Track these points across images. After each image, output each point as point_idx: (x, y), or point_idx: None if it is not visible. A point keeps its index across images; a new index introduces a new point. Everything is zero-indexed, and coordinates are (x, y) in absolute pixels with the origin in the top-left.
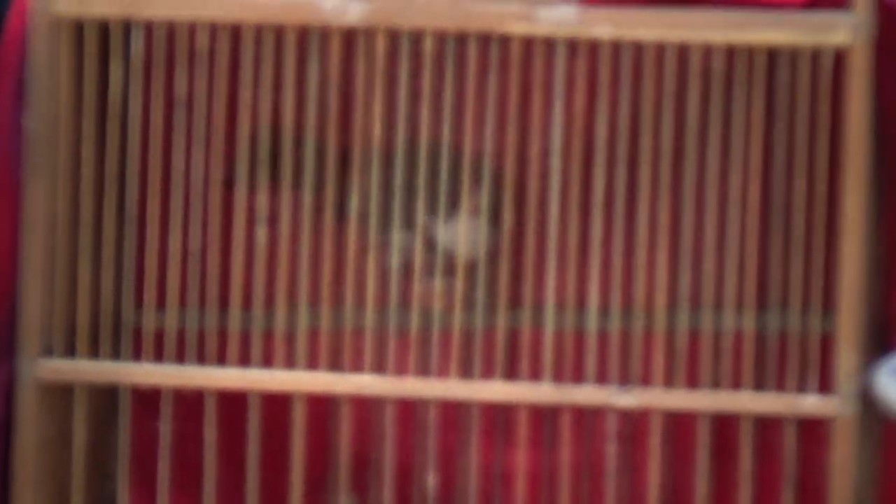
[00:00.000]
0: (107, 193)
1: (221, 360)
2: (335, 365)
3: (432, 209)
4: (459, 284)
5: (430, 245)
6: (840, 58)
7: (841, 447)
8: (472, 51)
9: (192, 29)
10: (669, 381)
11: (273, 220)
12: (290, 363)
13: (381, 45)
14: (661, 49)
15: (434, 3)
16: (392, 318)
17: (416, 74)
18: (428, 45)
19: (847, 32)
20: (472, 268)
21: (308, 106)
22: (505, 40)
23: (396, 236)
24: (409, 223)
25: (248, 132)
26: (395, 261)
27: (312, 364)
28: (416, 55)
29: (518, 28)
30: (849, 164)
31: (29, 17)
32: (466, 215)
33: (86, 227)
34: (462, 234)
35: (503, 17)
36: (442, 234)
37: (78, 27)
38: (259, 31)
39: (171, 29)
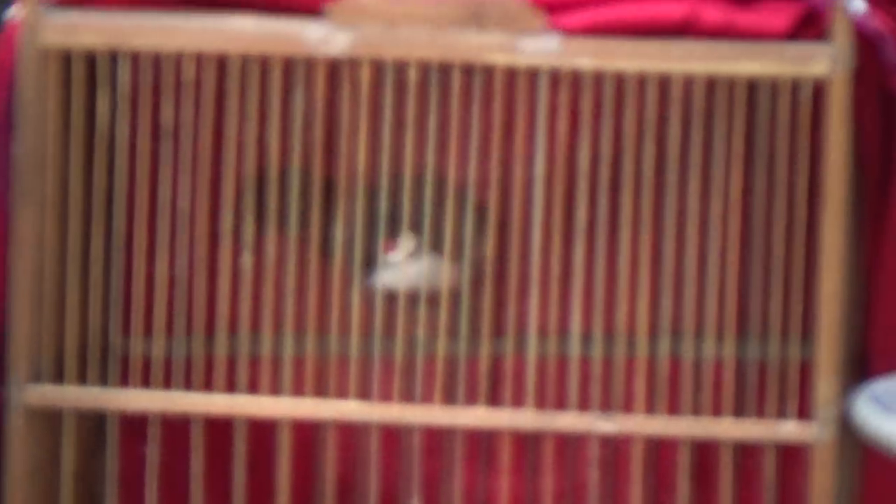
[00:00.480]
0: (94, 221)
1: (208, 386)
2: (320, 391)
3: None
4: (443, 313)
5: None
6: (819, 88)
7: (820, 472)
8: (456, 81)
9: (178, 60)
10: (651, 408)
11: (259, 249)
12: (275, 389)
13: (365, 75)
14: (642, 80)
15: (418, 34)
16: (376, 346)
17: (400, 104)
18: (412, 76)
19: (826, 63)
20: (455, 296)
21: (293, 135)
22: (488, 71)
23: (381, 267)
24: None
25: (234, 161)
26: (378, 287)
27: (298, 390)
28: (400, 85)
29: (501, 59)
30: (828, 195)
31: (17, 47)
32: (451, 245)
33: (74, 255)
34: (446, 264)
35: (486, 48)
36: (425, 263)
37: (65, 58)
38: (244, 61)
39: (157, 59)
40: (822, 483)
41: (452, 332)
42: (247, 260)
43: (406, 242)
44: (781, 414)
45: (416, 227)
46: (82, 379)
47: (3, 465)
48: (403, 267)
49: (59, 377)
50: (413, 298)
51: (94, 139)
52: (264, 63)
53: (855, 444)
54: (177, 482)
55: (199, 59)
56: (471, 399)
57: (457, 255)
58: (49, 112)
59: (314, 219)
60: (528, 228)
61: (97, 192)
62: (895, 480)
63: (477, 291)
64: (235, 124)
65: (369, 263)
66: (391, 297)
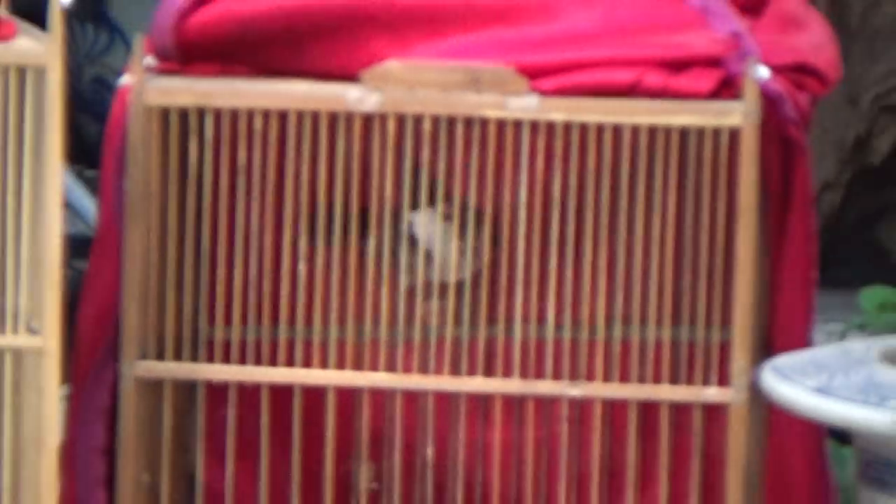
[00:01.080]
0: (186, 238)
1: (272, 362)
2: (357, 366)
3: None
4: (450, 304)
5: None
6: (735, 135)
7: (735, 425)
8: (459, 131)
9: (249, 115)
10: (607, 378)
11: (311, 259)
12: (323, 364)
13: (391, 127)
14: (600, 130)
15: (430, 95)
16: (399, 331)
17: (417, 149)
18: (426, 127)
19: (740, 117)
20: (459, 292)
21: (336, 174)
22: (483, 123)
23: (404, 268)
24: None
25: (292, 193)
26: (402, 287)
27: (340, 365)
28: (418, 134)
29: (493, 114)
30: (742, 215)
31: (127, 106)
32: (457, 250)
33: (171, 263)
34: (454, 262)
35: (482, 106)
36: (439, 259)
37: (164, 114)
38: (299, 116)
39: (234, 115)
40: (737, 433)
41: (457, 320)
42: (301, 268)
43: (422, 251)
44: (706, 382)
45: (430, 240)
46: (178, 357)
47: (118, 425)
48: (420, 270)
49: (160, 356)
50: (427, 294)
51: (186, 177)
52: (315, 117)
53: (761, 404)
54: (248, 437)
55: (266, 114)
56: (471, 371)
57: (461, 261)
58: (152, 156)
59: (352, 236)
60: (515, 242)
61: (188, 216)
62: (790, 430)
63: (476, 289)
64: (293, 165)
65: (395, 268)
66: (411, 294)
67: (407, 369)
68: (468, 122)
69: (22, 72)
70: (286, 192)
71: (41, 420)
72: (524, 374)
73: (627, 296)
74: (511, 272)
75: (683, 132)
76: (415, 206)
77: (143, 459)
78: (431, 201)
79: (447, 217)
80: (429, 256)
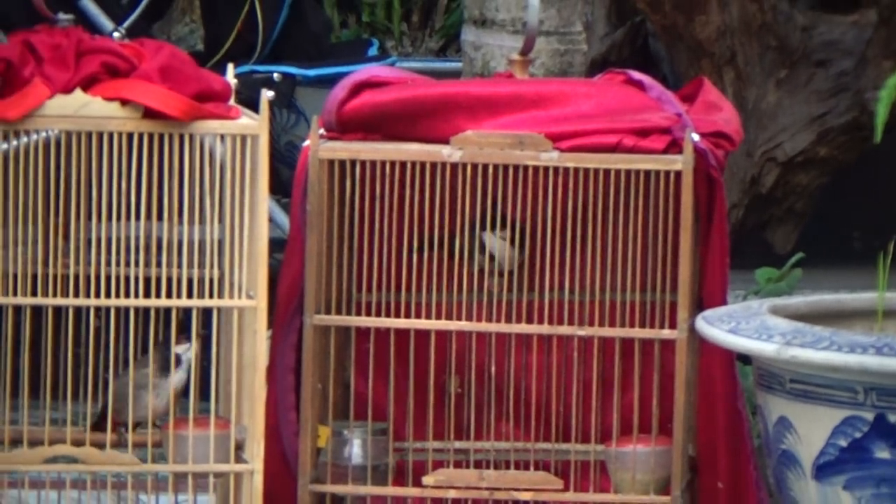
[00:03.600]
0: (344, 240)
1: (397, 315)
2: (448, 317)
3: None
4: (504, 281)
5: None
6: (678, 176)
7: (680, 354)
8: (511, 174)
9: (382, 163)
10: (601, 324)
11: (425, 257)
12: (428, 317)
13: (468, 171)
14: (596, 172)
15: (493, 152)
16: (475, 297)
17: (484, 185)
18: (490, 171)
19: (681, 164)
20: (511, 273)
21: (436, 200)
22: (525, 168)
23: (477, 260)
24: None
25: (409, 216)
26: (475, 271)
27: (438, 317)
28: (485, 176)
29: (531, 162)
30: (683, 225)
31: (308, 158)
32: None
33: (334, 255)
34: (507, 255)
35: (525, 158)
36: (497, 255)
37: (330, 163)
38: (414, 165)
39: (373, 164)
40: (682, 358)
41: (509, 290)
42: (415, 260)
43: (488, 251)
44: (662, 326)
45: (493, 247)
46: (338, 312)
47: (301, 355)
48: (488, 262)
49: (328, 311)
50: (490, 275)
51: (343, 202)
52: (422, 165)
53: (696, 340)
54: (381, 361)
55: (392, 164)
56: (517, 320)
57: (511, 258)
58: (323, 189)
59: (445, 243)
60: (544, 240)
61: (345, 226)
62: (713, 355)
63: (520, 270)
64: (409, 194)
65: (471, 261)
66: (481, 275)
67: (478, 320)
68: (515, 168)
69: (244, 137)
70: (405, 211)
71: (255, 351)
72: (550, 322)
73: (613, 274)
74: (542, 259)
75: (647, 173)
76: (484, 223)
77: (317, 375)
78: (493, 220)
79: (504, 233)
80: (492, 256)
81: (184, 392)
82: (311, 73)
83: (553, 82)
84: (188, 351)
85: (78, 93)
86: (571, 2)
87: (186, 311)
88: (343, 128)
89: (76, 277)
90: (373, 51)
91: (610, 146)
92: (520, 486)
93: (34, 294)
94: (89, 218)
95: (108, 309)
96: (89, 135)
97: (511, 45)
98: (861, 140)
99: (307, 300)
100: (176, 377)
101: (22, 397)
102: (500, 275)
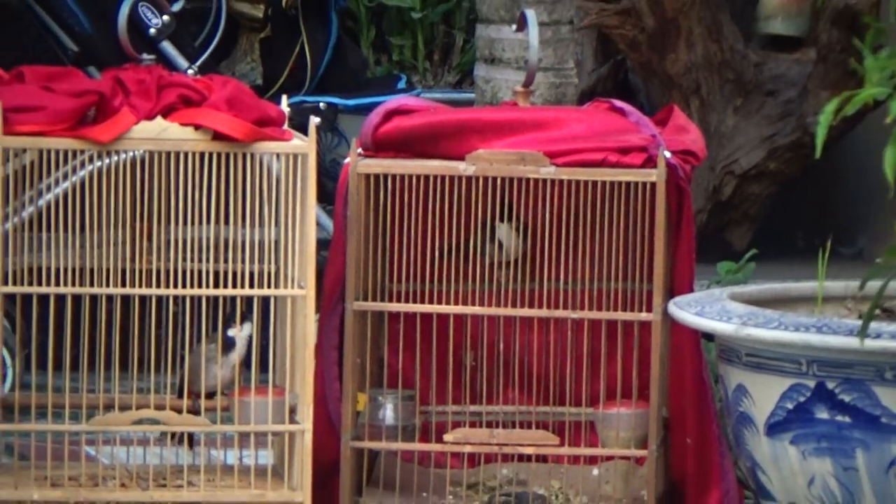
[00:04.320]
0: (378, 240)
1: (422, 301)
2: (465, 303)
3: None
4: (510, 272)
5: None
6: (653, 187)
7: (656, 334)
8: (516, 185)
9: (410, 177)
10: (590, 308)
11: (446, 259)
12: (448, 303)
13: (481, 183)
14: (587, 183)
15: (500, 167)
16: (487, 286)
17: (493, 195)
18: (499, 183)
19: (656, 176)
20: (515, 263)
21: (454, 206)
22: (528, 181)
23: (488, 255)
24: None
25: (432, 224)
26: (487, 264)
27: (456, 303)
28: (494, 187)
29: (533, 176)
30: (657, 228)
31: (348, 173)
32: (515, 240)
33: (370, 252)
34: (514, 244)
35: (527, 171)
36: (506, 242)
37: (367, 177)
38: (435, 178)
39: (402, 177)
40: (656, 337)
41: (514, 279)
42: (436, 259)
43: (497, 244)
44: (640, 310)
45: (503, 238)
46: (374, 299)
47: (344, 335)
48: (498, 252)
49: (365, 298)
50: (499, 267)
51: (378, 209)
52: (443, 178)
53: (668, 322)
54: (409, 339)
55: (419, 177)
56: (521, 305)
57: (516, 247)
58: (360, 199)
59: (462, 247)
60: (542, 238)
61: (380, 229)
62: (683, 335)
63: (524, 262)
64: (432, 202)
65: (483, 257)
66: (491, 268)
67: (489, 305)
68: (519, 180)
69: (296, 156)
70: (429, 216)
71: (305, 332)
72: (548, 307)
73: (600, 267)
74: (541, 255)
75: (628, 184)
76: (499, 220)
77: (357, 351)
78: (502, 218)
79: (511, 224)
80: (501, 247)
81: (245, 363)
82: (351, 102)
83: (550, 109)
84: (240, 332)
85: (159, 119)
86: (565, 43)
87: (248, 300)
88: (377, 147)
89: (158, 272)
90: (401, 84)
91: (597, 162)
92: (524, 442)
93: (123, 285)
94: (169, 222)
95: (184, 298)
96: (168, 154)
97: (515, 79)
98: (804, 156)
99: (348, 290)
100: (233, 354)
101: (114, 370)
102: (507, 266)
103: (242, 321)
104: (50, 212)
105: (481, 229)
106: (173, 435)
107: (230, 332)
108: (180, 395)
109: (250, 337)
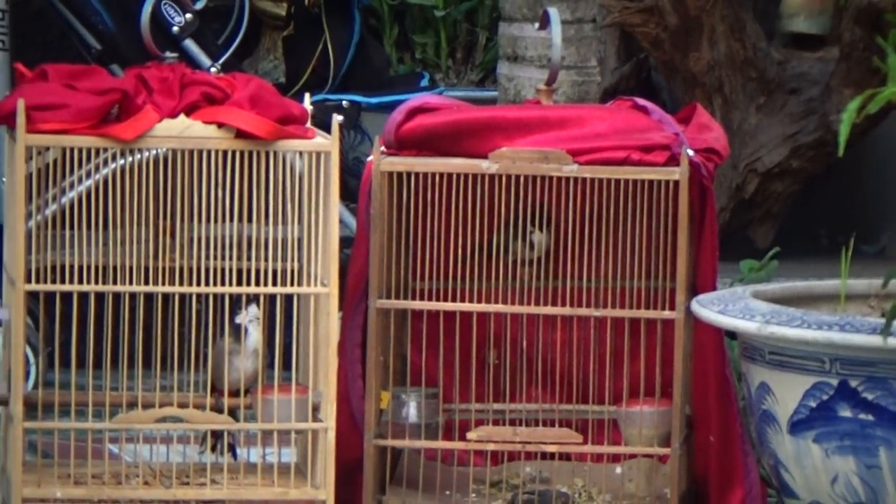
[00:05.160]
0: (402, 237)
1: (445, 299)
2: (488, 301)
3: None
4: (534, 270)
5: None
6: (676, 185)
7: (679, 331)
8: (538, 183)
9: (433, 175)
10: (613, 306)
11: (469, 256)
12: (471, 300)
13: (503, 181)
14: (609, 181)
15: (524, 165)
16: (510, 284)
17: (517, 193)
18: (521, 181)
19: (679, 174)
20: (539, 261)
21: (476, 203)
22: (551, 178)
23: (511, 253)
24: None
25: (455, 221)
26: (510, 262)
27: (479, 300)
28: (517, 185)
29: (555, 174)
30: (680, 226)
31: (371, 171)
32: (539, 239)
33: (393, 250)
34: (542, 241)
35: (550, 169)
36: (529, 245)
37: (390, 175)
38: (458, 176)
39: (425, 175)
40: (680, 334)
41: (537, 278)
42: (460, 254)
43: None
44: (663, 308)
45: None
46: (397, 296)
47: (367, 333)
48: (520, 254)
49: (388, 296)
50: (522, 265)
51: (401, 206)
52: (465, 176)
53: (691, 320)
54: (432, 336)
55: (441, 175)
56: (545, 303)
57: (540, 246)
58: (384, 196)
59: (484, 245)
60: (567, 236)
61: (402, 226)
62: (706, 332)
63: (547, 260)
64: (455, 199)
65: (507, 255)
66: (514, 265)
67: (513, 303)
68: (542, 179)
69: (318, 154)
70: (452, 214)
71: (328, 330)
72: (571, 305)
73: (623, 265)
74: (564, 253)
75: (650, 182)
76: (523, 222)
77: (380, 349)
78: (533, 222)
79: (543, 232)
80: (533, 247)
81: (268, 362)
82: (374, 100)
83: (573, 108)
84: (247, 316)
85: (182, 117)
86: (588, 41)
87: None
88: (400, 145)
89: (181, 269)
90: (424, 82)
91: (620, 160)
92: (547, 440)
93: (147, 283)
94: (191, 220)
95: (206, 295)
96: (191, 152)
97: (538, 77)
98: (827, 154)
99: (371, 287)
100: (249, 339)
101: (137, 368)
102: (531, 264)
103: (247, 305)
104: (73, 210)
105: (505, 228)
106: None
107: (237, 321)
108: (206, 393)
109: (257, 318)
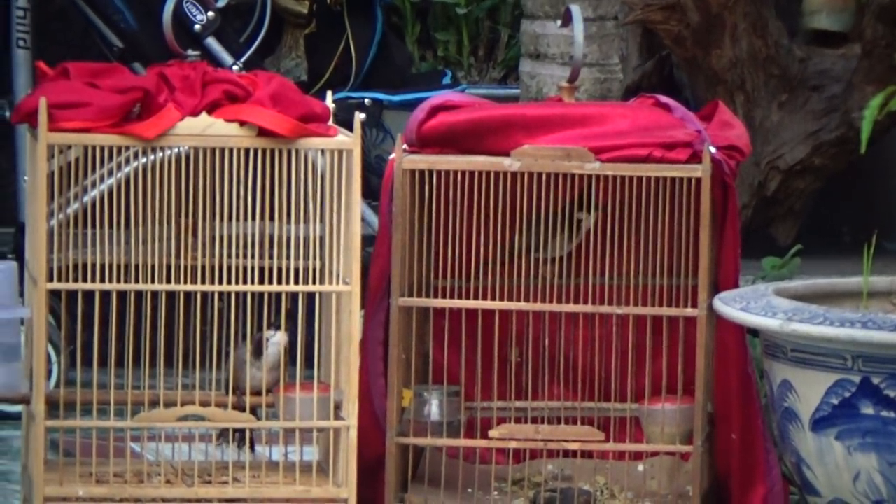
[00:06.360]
0: (423, 235)
1: (467, 297)
2: (510, 299)
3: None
4: (556, 268)
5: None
6: (698, 182)
7: (701, 329)
8: (560, 180)
9: (455, 172)
10: (636, 303)
11: (492, 255)
12: (493, 299)
13: (525, 179)
14: (632, 179)
15: (545, 162)
16: (532, 282)
17: (538, 189)
18: (543, 178)
19: (701, 172)
20: (561, 259)
21: (499, 201)
22: (573, 176)
23: (533, 252)
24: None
25: (478, 219)
26: (532, 260)
27: (501, 298)
28: (539, 182)
29: (577, 171)
30: (702, 223)
31: (393, 169)
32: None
33: (416, 248)
34: (558, 247)
35: (572, 167)
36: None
37: (412, 172)
38: (480, 173)
39: (447, 173)
40: (702, 332)
41: (559, 275)
42: (482, 251)
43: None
44: (686, 305)
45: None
46: (419, 295)
47: (389, 330)
48: (542, 252)
49: (410, 294)
50: (545, 263)
51: (423, 204)
52: (488, 174)
53: (714, 317)
54: (454, 334)
55: (464, 172)
56: (567, 302)
57: (564, 244)
58: (406, 194)
59: (507, 245)
60: (589, 233)
61: (424, 224)
62: (728, 330)
63: (569, 258)
64: (477, 197)
65: (529, 255)
66: (536, 264)
67: (535, 301)
68: (565, 176)
69: (340, 152)
70: (474, 212)
71: (350, 328)
72: (593, 302)
73: (645, 262)
74: (586, 250)
75: (672, 180)
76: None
77: (402, 347)
78: (581, 206)
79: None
80: (580, 229)
81: (290, 360)
82: (396, 98)
83: (595, 105)
84: (275, 335)
85: (204, 115)
86: (610, 38)
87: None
88: (422, 143)
89: (203, 268)
90: (446, 80)
91: (642, 157)
92: (569, 438)
93: (169, 281)
94: (214, 218)
95: (229, 294)
96: (213, 150)
97: (560, 75)
98: (849, 152)
99: (393, 285)
100: (268, 356)
101: (159, 366)
102: (553, 262)
103: (278, 328)
104: (95, 208)
105: (536, 224)
106: (222, 433)
107: (266, 335)
108: (228, 391)
109: (282, 345)
